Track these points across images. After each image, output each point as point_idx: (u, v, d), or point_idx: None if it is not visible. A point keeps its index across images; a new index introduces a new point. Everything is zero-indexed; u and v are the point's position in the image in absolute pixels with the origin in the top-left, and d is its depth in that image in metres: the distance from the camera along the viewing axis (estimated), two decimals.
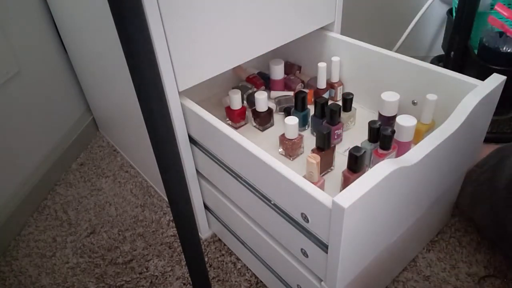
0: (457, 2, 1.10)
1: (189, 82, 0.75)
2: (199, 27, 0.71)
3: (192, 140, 0.82)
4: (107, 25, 0.81)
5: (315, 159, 0.69)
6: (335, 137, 0.87)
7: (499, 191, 0.74)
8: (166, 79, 0.71)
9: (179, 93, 0.74)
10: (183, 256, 0.80)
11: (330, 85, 1.00)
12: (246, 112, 0.96)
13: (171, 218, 1.06)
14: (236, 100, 0.92)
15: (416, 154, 0.60)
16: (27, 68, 1.09)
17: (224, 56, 0.78)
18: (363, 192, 0.52)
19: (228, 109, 0.95)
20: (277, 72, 1.01)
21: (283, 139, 0.85)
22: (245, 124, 0.98)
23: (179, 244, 0.99)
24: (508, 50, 1.07)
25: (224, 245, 0.98)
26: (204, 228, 0.99)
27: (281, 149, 0.87)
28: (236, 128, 0.96)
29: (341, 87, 1.00)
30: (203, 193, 0.92)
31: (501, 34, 1.09)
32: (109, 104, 1.16)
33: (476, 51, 1.13)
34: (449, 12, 1.27)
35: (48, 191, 1.18)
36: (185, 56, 0.71)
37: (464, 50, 1.14)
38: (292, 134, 0.83)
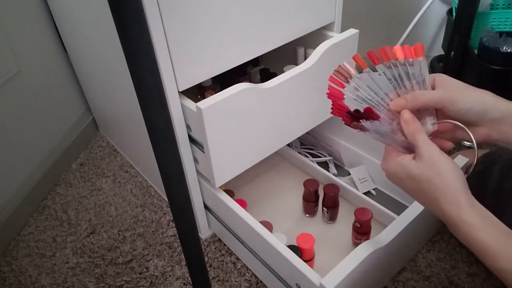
0: (457, 2, 1.10)
1: (189, 82, 0.75)
2: (199, 28, 0.71)
3: (192, 140, 0.82)
4: (107, 25, 0.81)
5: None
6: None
7: (486, 197, 0.73)
8: (166, 79, 0.71)
9: (179, 93, 0.74)
10: (183, 256, 0.79)
11: None
12: None
13: (171, 218, 1.06)
14: None
15: None
16: (27, 68, 1.08)
17: (224, 56, 0.78)
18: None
19: None
20: None
21: None
22: None
23: (179, 244, 0.99)
24: (508, 50, 1.07)
25: (224, 245, 0.98)
26: (204, 228, 0.99)
27: None
28: None
29: None
30: (203, 193, 0.92)
31: (501, 34, 1.09)
32: (109, 104, 1.16)
33: (476, 51, 1.13)
34: (449, 12, 1.27)
35: (48, 191, 1.18)
36: (185, 56, 0.71)
37: (464, 50, 1.14)
38: None
